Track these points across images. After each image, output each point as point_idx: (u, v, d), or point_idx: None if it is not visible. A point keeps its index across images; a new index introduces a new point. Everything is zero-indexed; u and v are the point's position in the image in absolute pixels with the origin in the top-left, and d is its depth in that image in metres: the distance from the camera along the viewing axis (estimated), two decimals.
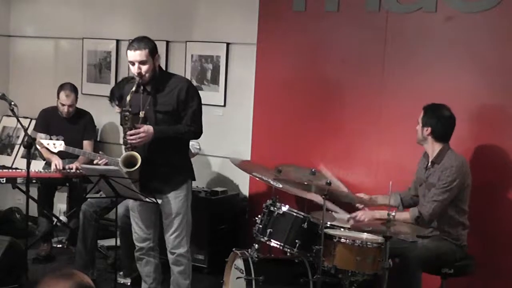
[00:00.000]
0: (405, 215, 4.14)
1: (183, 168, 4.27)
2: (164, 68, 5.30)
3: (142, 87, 4.13)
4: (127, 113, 4.05)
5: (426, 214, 4.09)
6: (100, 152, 5.33)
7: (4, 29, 6.84)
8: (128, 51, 4.10)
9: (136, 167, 4.00)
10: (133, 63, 4.08)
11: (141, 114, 4.10)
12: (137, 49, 4.06)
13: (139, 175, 4.05)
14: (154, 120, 4.13)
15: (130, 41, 4.15)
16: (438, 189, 4.09)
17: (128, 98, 4.04)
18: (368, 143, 4.94)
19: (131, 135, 4.02)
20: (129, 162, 4.04)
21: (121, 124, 4.18)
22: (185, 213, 4.23)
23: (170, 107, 4.13)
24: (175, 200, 4.19)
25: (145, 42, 4.10)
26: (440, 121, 4.18)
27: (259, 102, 5.40)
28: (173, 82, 4.18)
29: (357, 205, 4.46)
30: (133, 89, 4.05)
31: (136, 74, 4.08)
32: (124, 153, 4.09)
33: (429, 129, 4.19)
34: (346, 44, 5.02)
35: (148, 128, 4.03)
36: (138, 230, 4.32)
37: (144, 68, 4.07)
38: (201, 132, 4.26)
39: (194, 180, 4.39)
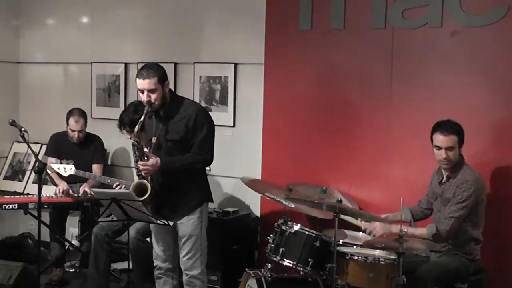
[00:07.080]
0: (422, 230, 4.10)
1: (196, 193, 4.25)
2: (173, 89, 5.32)
3: (154, 113, 4.13)
4: (135, 143, 4.08)
5: (443, 231, 4.05)
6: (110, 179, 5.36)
7: (13, 56, 6.89)
8: (137, 79, 4.08)
9: (146, 196, 4.05)
10: (142, 91, 4.08)
11: (153, 140, 4.12)
12: (145, 77, 4.04)
13: (150, 199, 4.08)
14: (165, 147, 4.14)
15: (139, 68, 4.13)
16: (455, 205, 4.06)
17: (136, 128, 4.04)
18: (378, 160, 4.93)
19: (140, 165, 4.06)
20: (140, 189, 4.08)
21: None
22: (199, 236, 4.23)
23: (178, 136, 4.13)
24: (188, 222, 4.20)
25: (154, 70, 4.07)
26: (463, 135, 4.14)
27: (268, 121, 5.41)
28: (184, 110, 4.16)
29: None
30: (141, 118, 4.04)
31: (145, 102, 4.07)
32: (135, 181, 4.12)
33: (461, 147, 4.14)
34: (354, 61, 5.03)
35: (156, 162, 4.04)
36: (158, 250, 4.34)
37: (154, 96, 4.06)
38: (211, 160, 4.24)
39: (211, 201, 4.41)
